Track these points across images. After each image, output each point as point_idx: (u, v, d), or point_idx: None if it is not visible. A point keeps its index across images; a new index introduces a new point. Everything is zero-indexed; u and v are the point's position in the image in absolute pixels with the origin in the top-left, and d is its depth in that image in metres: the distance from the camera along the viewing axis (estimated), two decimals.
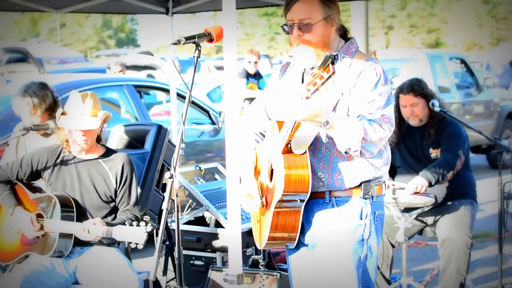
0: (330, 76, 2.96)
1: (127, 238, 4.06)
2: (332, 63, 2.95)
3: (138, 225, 4.04)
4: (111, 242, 4.47)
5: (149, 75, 15.54)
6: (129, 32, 60.22)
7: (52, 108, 4.97)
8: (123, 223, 4.25)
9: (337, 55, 3.06)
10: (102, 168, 4.50)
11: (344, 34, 3.41)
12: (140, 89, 8.79)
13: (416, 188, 5.13)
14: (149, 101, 12.09)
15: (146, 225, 4.03)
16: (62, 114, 4.46)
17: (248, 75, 10.83)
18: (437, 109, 5.33)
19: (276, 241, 3.33)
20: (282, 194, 3.17)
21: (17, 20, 53.92)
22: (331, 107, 3.16)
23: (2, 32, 49.08)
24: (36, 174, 4.54)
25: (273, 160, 3.28)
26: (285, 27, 3.33)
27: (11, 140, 4.98)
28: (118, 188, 4.47)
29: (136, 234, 4.02)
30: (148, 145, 5.44)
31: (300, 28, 3.27)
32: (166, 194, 3.17)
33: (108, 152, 4.58)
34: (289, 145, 3.17)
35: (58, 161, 4.51)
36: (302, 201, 3.23)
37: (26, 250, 4.40)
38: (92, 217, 4.38)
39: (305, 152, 3.19)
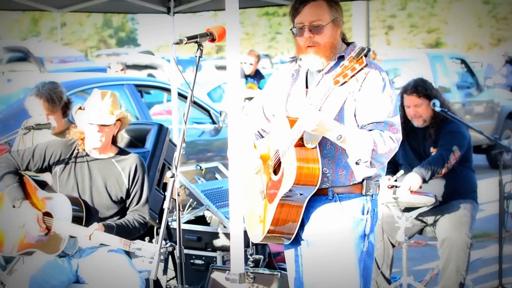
0: (362, 69, 3.01)
1: (140, 253, 3.98)
2: (366, 55, 3.01)
3: (150, 241, 4.02)
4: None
5: (150, 75, 15.55)
6: (130, 32, 60.22)
7: (66, 105, 4.99)
8: (127, 225, 4.29)
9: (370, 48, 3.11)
10: (115, 167, 4.49)
11: (343, 38, 3.50)
12: (141, 89, 8.79)
13: (410, 187, 5.13)
14: (149, 101, 12.08)
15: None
16: (79, 109, 4.46)
17: (246, 75, 10.83)
18: (437, 109, 5.33)
19: (275, 234, 3.39)
20: (292, 186, 3.22)
21: (17, 19, 53.90)
22: (338, 105, 3.25)
23: (3, 31, 49.08)
24: (46, 167, 4.50)
25: (282, 153, 3.33)
26: (294, 30, 3.41)
27: (17, 137, 4.97)
28: (131, 188, 4.46)
29: (149, 250, 3.96)
30: (149, 144, 5.44)
31: (311, 30, 3.36)
32: (168, 193, 3.18)
33: (121, 152, 4.56)
34: (302, 139, 3.24)
35: (72, 157, 4.49)
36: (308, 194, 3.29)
37: (30, 247, 4.37)
38: (100, 217, 4.37)
39: (316, 146, 3.25)
